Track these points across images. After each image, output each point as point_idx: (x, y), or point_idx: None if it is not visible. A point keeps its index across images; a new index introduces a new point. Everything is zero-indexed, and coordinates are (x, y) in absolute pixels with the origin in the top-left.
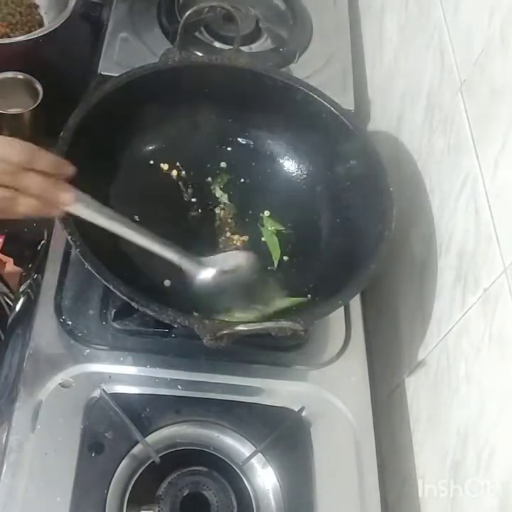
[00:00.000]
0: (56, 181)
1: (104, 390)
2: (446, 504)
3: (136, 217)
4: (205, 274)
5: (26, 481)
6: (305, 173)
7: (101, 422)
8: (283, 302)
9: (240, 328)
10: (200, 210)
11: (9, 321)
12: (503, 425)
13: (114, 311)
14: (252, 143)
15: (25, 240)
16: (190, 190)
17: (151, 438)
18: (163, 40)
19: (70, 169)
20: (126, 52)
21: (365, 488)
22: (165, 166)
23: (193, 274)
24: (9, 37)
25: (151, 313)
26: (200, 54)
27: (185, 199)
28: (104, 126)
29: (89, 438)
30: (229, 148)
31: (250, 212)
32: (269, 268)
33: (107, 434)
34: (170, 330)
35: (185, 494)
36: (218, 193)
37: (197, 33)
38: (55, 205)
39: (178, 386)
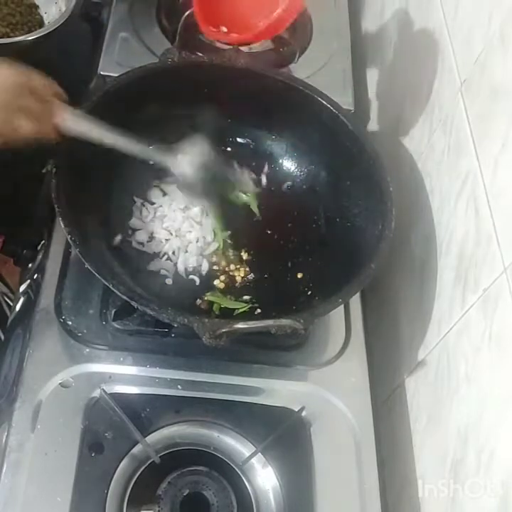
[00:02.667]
0: (53, 103)
1: (104, 390)
2: (446, 504)
3: None
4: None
5: (26, 481)
6: (305, 173)
7: (101, 422)
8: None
9: (239, 326)
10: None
11: (9, 321)
12: (503, 425)
13: (114, 310)
14: (252, 143)
15: (25, 240)
16: None
17: (151, 438)
18: (163, 40)
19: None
20: (126, 52)
21: (365, 488)
22: None
23: (176, 167)
24: (9, 37)
25: (151, 313)
26: (200, 54)
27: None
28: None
29: (89, 438)
30: (229, 149)
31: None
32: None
33: (107, 434)
34: (170, 330)
35: (185, 494)
36: None
37: (197, 33)
38: (52, 126)
39: (178, 386)
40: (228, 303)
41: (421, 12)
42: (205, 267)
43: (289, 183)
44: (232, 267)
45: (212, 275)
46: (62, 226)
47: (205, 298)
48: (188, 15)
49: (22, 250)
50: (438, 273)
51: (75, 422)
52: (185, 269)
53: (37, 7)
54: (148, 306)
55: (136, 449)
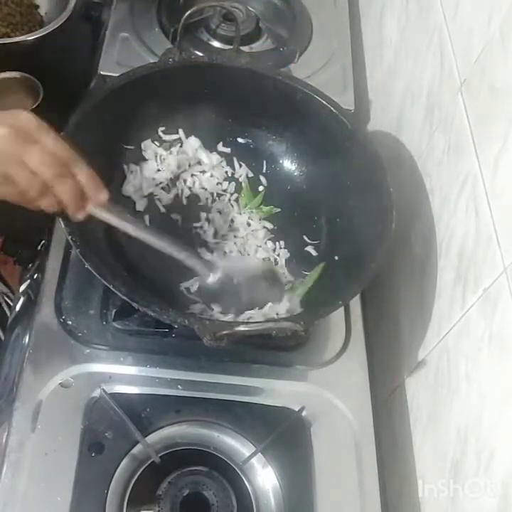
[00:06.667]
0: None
1: (104, 390)
2: (446, 504)
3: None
4: (212, 277)
5: (26, 481)
6: (305, 173)
7: (101, 422)
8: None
9: (240, 328)
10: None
11: (9, 321)
12: (503, 425)
13: (114, 311)
14: (252, 143)
15: (25, 240)
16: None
17: (151, 438)
18: (163, 40)
19: (103, 194)
20: (126, 52)
21: (365, 488)
22: None
23: (203, 275)
24: (9, 37)
25: (152, 314)
26: (200, 54)
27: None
28: (104, 126)
29: (89, 438)
30: (229, 148)
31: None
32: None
33: (107, 434)
34: (170, 330)
35: (185, 494)
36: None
37: (197, 33)
38: (77, 211)
39: (178, 386)
40: None
41: (421, 12)
42: None
43: (289, 183)
44: None
45: None
46: (63, 226)
47: None
48: (189, 15)
49: (22, 250)
50: (438, 273)
51: (75, 422)
52: None
53: (37, 7)
54: (148, 307)
55: (136, 449)
